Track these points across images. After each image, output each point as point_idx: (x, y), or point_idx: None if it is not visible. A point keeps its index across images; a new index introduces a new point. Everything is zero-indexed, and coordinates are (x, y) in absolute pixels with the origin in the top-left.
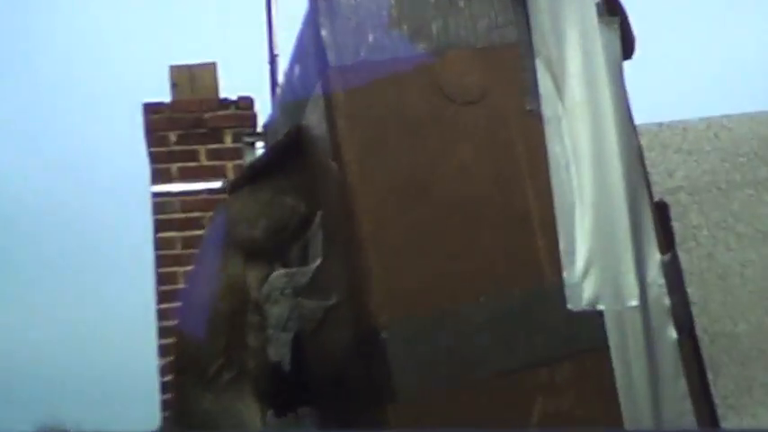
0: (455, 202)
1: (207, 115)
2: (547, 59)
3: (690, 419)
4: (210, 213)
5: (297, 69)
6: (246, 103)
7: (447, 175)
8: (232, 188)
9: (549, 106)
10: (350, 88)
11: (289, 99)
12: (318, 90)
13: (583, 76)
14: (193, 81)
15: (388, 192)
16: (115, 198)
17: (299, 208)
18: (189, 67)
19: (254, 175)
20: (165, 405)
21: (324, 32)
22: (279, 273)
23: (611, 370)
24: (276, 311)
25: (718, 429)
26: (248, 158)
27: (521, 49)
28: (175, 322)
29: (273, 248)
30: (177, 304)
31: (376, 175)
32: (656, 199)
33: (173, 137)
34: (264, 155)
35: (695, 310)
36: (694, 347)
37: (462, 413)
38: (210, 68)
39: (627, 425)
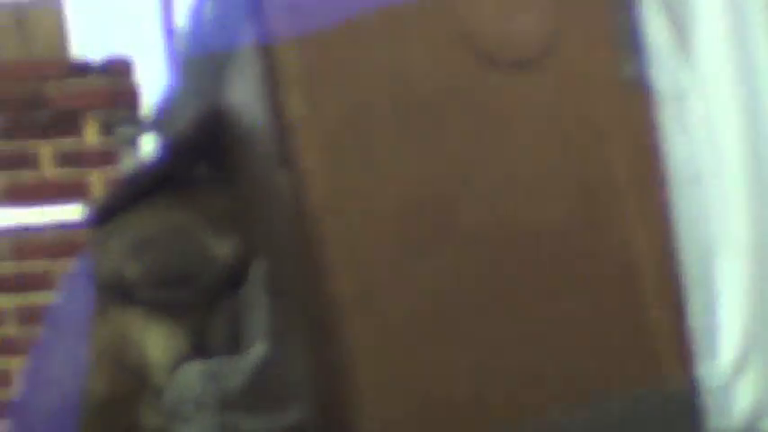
0: (502, 244)
1: (50, 89)
2: None
3: None
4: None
5: (210, 5)
6: (121, 68)
7: (487, 199)
8: (99, 217)
9: (663, 72)
10: (309, 39)
11: (198, 60)
12: (250, 42)
13: (729, 15)
14: (25, 30)
15: (380, 225)
16: None
17: (220, 250)
18: (17, 7)
19: (137, 196)
20: None
21: None
22: (191, 369)
23: None
24: None
25: None
26: (128, 165)
27: None
28: None
29: (170, 306)
30: (13, 411)
31: (359, 196)
32: None
33: None
34: (156, 161)
35: None
36: None
37: None
38: (55, 9)
39: None
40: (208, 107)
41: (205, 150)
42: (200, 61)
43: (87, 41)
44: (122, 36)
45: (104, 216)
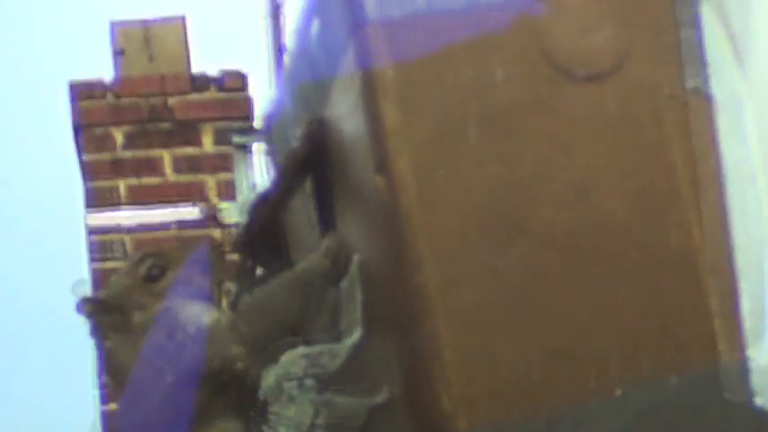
0: (573, 239)
1: (173, 101)
2: (719, 5)
3: None
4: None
5: (315, 25)
6: (236, 82)
7: (559, 198)
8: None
9: (722, 83)
10: (402, 58)
11: (303, 74)
12: (351, 59)
13: None
14: (151, 47)
15: (464, 223)
16: (30, 235)
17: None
18: (143, 25)
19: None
20: None
21: None
22: (294, 353)
23: None
24: (291, 415)
25: None
26: (240, 170)
27: None
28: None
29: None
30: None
31: (446, 197)
32: None
33: (118, 136)
34: (276, 181)
35: None
36: None
37: None
38: (177, 26)
39: None
40: (310, 122)
41: (312, 162)
42: (306, 79)
43: (206, 55)
44: (237, 51)
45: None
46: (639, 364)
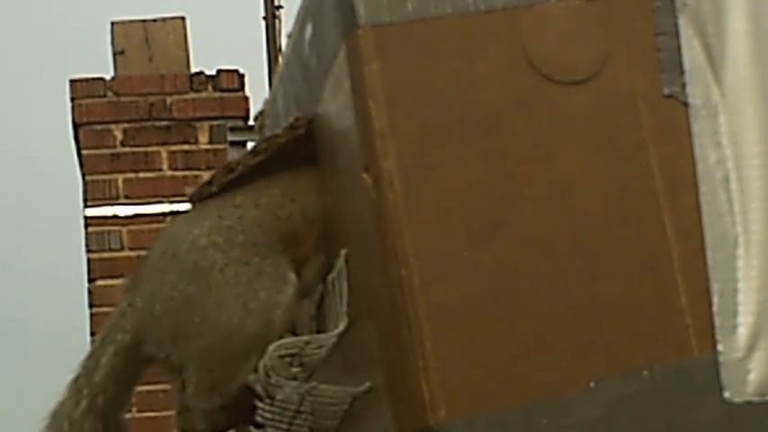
0: (552, 238)
1: (171, 99)
2: (696, 16)
3: None
4: None
5: (309, 29)
6: (232, 81)
7: (539, 197)
8: (197, 198)
9: (698, 90)
10: (391, 60)
11: (297, 75)
12: (342, 62)
13: (754, 42)
14: (150, 46)
15: (447, 220)
16: (29, 226)
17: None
18: (143, 24)
19: (232, 183)
20: None
21: None
22: (282, 342)
23: None
24: (276, 402)
25: None
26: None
27: (656, 0)
28: None
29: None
30: None
31: (430, 195)
32: None
33: (117, 133)
34: (252, 151)
35: None
36: None
37: None
38: (177, 26)
39: None
40: (301, 118)
41: (296, 154)
42: (299, 79)
43: (204, 54)
44: (234, 52)
45: (199, 199)
46: (613, 358)
